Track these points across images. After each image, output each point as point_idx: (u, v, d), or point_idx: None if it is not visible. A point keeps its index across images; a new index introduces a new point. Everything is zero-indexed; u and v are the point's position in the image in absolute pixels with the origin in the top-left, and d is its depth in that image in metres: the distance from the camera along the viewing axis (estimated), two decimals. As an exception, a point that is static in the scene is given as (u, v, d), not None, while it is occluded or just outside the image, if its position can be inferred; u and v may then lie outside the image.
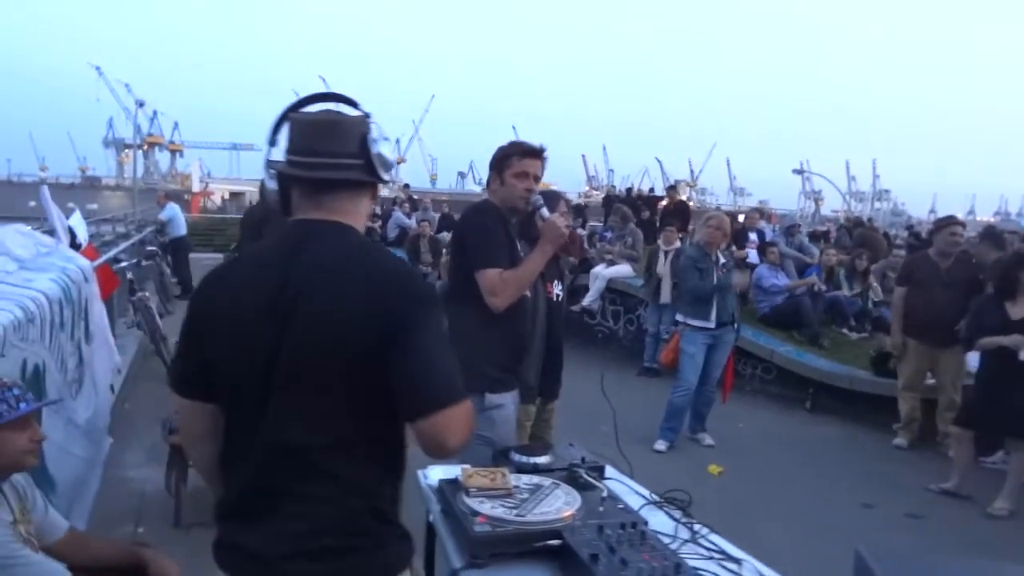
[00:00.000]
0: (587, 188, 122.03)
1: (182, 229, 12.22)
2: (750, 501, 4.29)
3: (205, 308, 1.47)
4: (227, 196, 47.71)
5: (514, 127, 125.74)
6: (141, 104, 38.77)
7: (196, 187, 53.58)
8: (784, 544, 3.51)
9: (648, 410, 5.59)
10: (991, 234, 6.69)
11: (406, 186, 18.44)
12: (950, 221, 5.96)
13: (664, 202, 13.10)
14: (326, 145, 1.45)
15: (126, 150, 76.74)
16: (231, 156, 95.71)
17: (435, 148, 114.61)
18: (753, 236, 9.09)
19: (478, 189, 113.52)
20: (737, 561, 1.84)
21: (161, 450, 3.91)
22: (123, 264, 7.46)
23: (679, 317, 5.56)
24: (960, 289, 5.41)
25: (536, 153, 2.64)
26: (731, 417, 5.88)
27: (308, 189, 1.48)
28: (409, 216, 13.86)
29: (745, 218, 9.81)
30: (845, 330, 7.42)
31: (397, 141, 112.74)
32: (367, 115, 1.51)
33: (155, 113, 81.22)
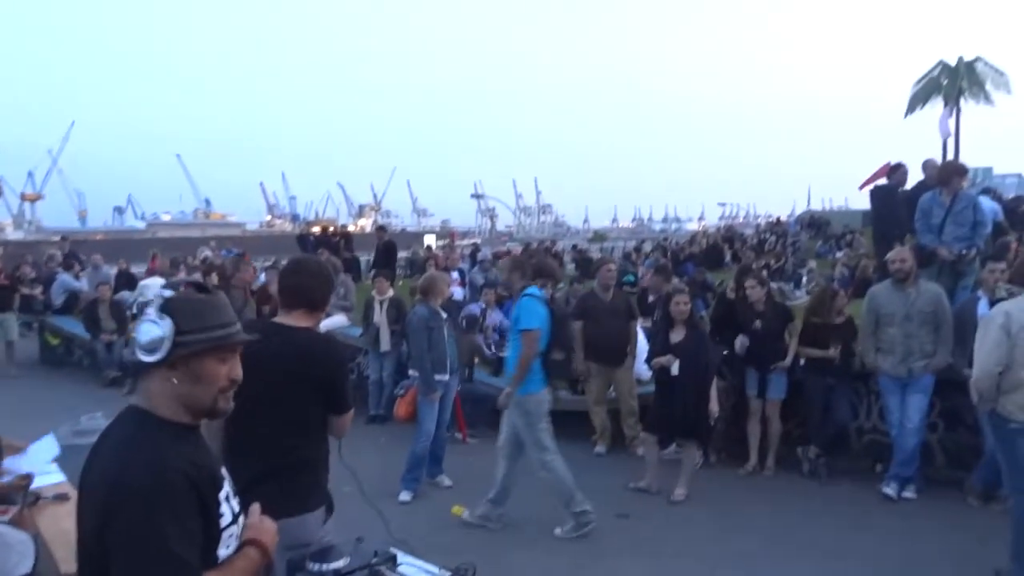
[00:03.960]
0: (268, 218, 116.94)
1: None
2: (500, 535, 4.76)
3: None
4: None
5: (179, 156, 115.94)
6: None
7: None
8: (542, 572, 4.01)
9: (383, 460, 5.81)
10: (661, 268, 8.31)
11: (63, 238, 16.06)
12: (604, 261, 7.34)
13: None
14: None
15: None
16: None
17: (81, 182, 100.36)
18: (455, 275, 9.88)
19: (141, 225, 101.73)
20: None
21: None
22: None
23: (413, 372, 5.90)
24: (622, 317, 6.68)
25: None
26: (459, 452, 6.33)
27: None
28: (77, 277, 12.20)
29: (447, 259, 10.56)
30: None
31: (30, 175, 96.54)
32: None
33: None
